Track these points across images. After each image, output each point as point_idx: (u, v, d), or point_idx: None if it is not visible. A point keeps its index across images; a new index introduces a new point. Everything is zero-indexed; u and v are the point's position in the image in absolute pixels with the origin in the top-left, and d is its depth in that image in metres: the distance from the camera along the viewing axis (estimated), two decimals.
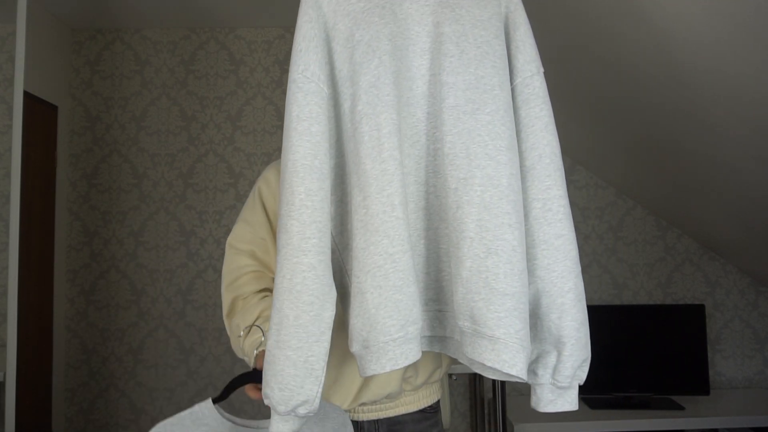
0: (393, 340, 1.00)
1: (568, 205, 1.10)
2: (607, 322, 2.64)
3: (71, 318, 2.84)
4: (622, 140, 2.42)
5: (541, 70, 1.12)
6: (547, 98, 1.12)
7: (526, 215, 1.09)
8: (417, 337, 1.03)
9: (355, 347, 1.02)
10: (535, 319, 1.07)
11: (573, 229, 1.10)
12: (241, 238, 1.36)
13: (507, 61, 1.10)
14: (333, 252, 1.11)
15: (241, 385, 1.20)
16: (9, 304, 2.14)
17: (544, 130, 1.10)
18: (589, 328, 1.07)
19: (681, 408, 2.46)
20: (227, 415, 1.21)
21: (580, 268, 1.09)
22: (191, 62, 2.95)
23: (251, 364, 1.21)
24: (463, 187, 1.03)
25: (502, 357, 0.98)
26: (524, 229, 1.07)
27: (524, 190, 1.09)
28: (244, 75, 2.95)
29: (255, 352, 1.20)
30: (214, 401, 1.21)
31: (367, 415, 1.31)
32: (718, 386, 2.82)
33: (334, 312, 1.03)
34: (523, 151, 1.10)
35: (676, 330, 2.64)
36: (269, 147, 2.93)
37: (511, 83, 1.11)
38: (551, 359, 1.06)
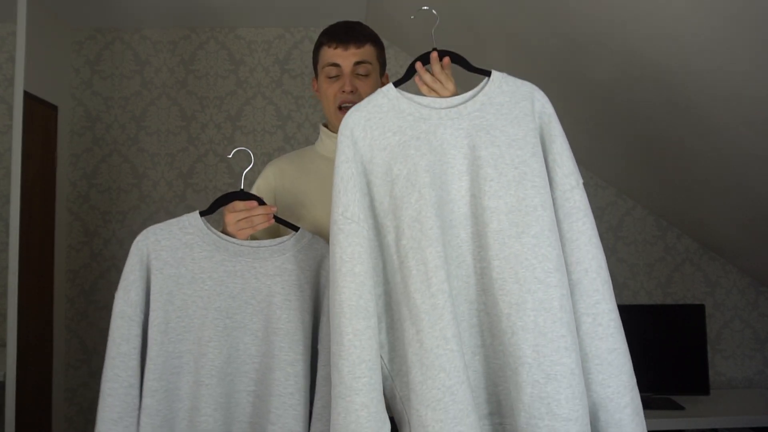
0: None
1: (619, 318, 1.12)
2: None
3: (71, 318, 2.84)
4: (622, 140, 2.42)
5: (581, 181, 1.15)
6: (589, 210, 1.15)
7: (576, 330, 1.10)
8: None
9: None
10: (594, 431, 1.09)
11: (625, 340, 1.12)
12: None
13: (546, 176, 1.12)
14: (385, 379, 1.14)
15: (227, 202, 1.29)
16: (9, 304, 2.14)
17: (589, 244, 1.13)
18: None
19: (681, 408, 2.46)
20: (213, 229, 1.28)
21: (635, 381, 1.12)
22: (191, 62, 2.95)
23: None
24: (516, 313, 1.06)
25: None
26: (578, 348, 1.09)
27: (572, 304, 1.11)
28: (243, 75, 2.95)
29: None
30: (202, 214, 1.29)
31: None
32: (718, 386, 2.82)
33: None
34: (569, 265, 1.12)
35: (676, 330, 2.63)
36: (269, 147, 2.93)
37: (551, 195, 1.13)
38: None
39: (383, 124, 1.13)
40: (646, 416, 2.64)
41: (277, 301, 1.25)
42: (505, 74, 1.18)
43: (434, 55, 1.19)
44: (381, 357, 1.14)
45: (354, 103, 1.42)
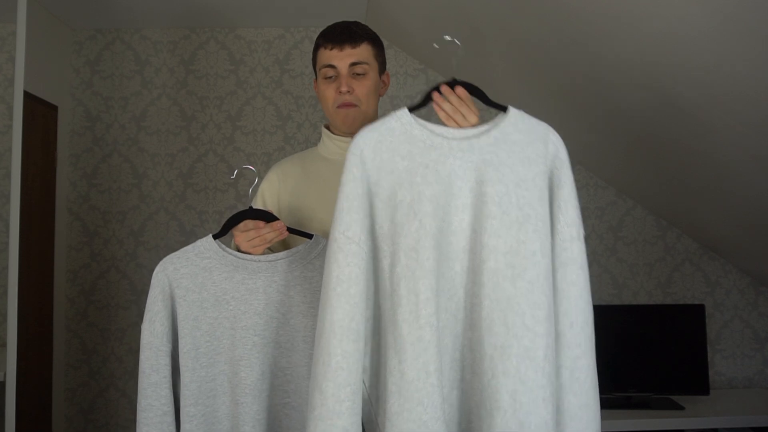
0: None
1: (596, 374, 1.12)
2: (607, 322, 2.63)
3: (71, 318, 2.84)
4: (622, 139, 2.42)
5: (582, 233, 1.13)
6: (585, 263, 1.13)
7: None
8: None
9: None
10: None
11: (597, 395, 1.12)
12: None
13: (549, 222, 1.11)
14: (365, 404, 1.13)
15: (237, 222, 1.29)
16: (9, 304, 2.14)
17: (579, 298, 1.12)
18: None
19: (681, 408, 2.46)
20: (228, 249, 1.29)
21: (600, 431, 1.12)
22: (191, 62, 2.95)
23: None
24: (499, 356, 1.05)
25: None
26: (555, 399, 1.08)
27: None
28: (244, 75, 2.95)
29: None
30: (215, 237, 1.29)
31: None
32: (718, 386, 2.82)
33: None
34: (555, 315, 1.10)
35: (676, 330, 2.63)
36: (269, 147, 2.93)
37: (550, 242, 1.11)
38: None
39: (393, 147, 1.12)
40: (647, 416, 2.66)
41: (301, 311, 1.26)
42: (522, 112, 1.16)
43: (445, 88, 1.17)
44: (363, 381, 1.13)
45: (351, 103, 1.43)
